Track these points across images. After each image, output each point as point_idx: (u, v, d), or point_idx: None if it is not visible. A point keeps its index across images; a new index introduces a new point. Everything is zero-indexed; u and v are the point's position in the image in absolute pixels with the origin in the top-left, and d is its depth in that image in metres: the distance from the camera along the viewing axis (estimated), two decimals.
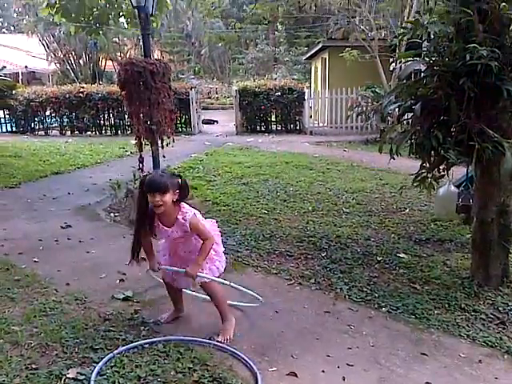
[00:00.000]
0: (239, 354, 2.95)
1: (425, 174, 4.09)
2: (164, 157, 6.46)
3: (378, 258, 4.71)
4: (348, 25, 14.68)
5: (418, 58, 4.03)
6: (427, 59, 3.85)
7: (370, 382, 2.75)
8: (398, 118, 4.26)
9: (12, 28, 43.31)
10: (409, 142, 4.17)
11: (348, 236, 5.38)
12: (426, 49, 3.93)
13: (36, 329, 3.21)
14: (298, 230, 5.62)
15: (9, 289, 3.88)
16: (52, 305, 3.59)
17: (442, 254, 4.83)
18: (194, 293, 3.57)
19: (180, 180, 3.17)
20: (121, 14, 17.07)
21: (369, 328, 3.37)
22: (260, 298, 3.46)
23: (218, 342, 3.09)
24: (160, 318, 3.40)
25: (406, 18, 12.45)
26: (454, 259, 4.67)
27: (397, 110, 4.39)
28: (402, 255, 4.79)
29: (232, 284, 3.26)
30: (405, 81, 4.17)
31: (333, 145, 13.07)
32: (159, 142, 6.28)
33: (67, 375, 2.68)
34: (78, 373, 2.70)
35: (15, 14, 36.74)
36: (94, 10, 16.12)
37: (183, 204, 3.19)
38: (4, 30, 46.13)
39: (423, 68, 3.90)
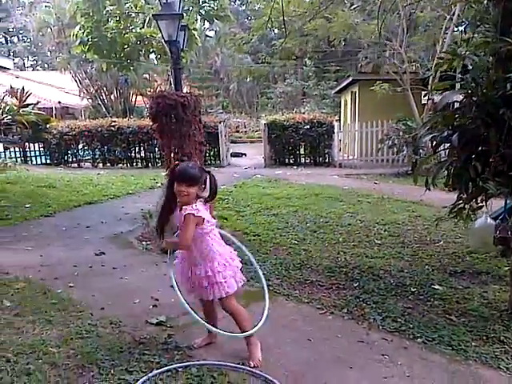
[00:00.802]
0: (273, 380, 2.93)
1: (462, 206, 4.06)
2: None
3: (412, 289, 4.64)
4: (378, 58, 14.81)
5: (453, 89, 4.06)
6: (465, 90, 3.86)
7: None
8: (433, 148, 4.24)
9: (46, 66, 44.80)
10: (445, 173, 4.16)
11: (380, 267, 5.33)
12: (463, 79, 3.94)
13: (73, 350, 3.26)
14: (329, 260, 5.60)
15: (46, 312, 3.95)
16: (88, 328, 3.65)
17: (478, 286, 4.73)
18: (220, 331, 3.40)
19: (209, 177, 3.16)
20: (151, 50, 17.67)
21: (404, 358, 3.31)
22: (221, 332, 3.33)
23: (250, 367, 3.07)
24: (193, 343, 3.41)
25: (438, 51, 12.52)
26: (492, 291, 4.56)
27: (430, 141, 4.39)
28: (436, 287, 4.71)
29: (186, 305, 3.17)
30: (441, 111, 4.17)
31: (363, 177, 13.05)
32: None
33: None
34: None
35: (49, 53, 38.06)
36: (125, 46, 16.74)
37: (200, 203, 3.13)
38: (38, 67, 47.76)
39: (460, 98, 3.91)
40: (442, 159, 4.29)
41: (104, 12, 15.22)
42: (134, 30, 16.43)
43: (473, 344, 3.52)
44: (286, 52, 32.49)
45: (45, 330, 3.60)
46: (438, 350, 3.44)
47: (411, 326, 3.82)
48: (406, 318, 3.98)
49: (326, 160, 16.17)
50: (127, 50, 16.43)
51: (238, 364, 3.12)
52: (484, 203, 4.10)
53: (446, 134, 4.04)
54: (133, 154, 17.16)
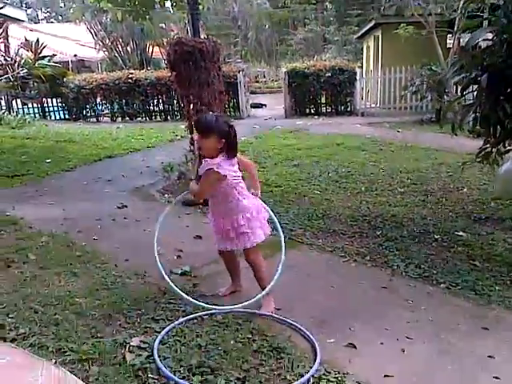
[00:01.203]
0: (297, 325, 2.96)
1: (489, 149, 3.97)
2: None
3: (436, 237, 4.61)
4: (401, 0, 14.23)
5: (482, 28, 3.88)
6: (495, 27, 3.68)
7: (430, 355, 2.70)
8: (461, 90, 4.11)
9: (60, 18, 44.23)
10: (471, 118, 4.04)
11: (403, 215, 5.29)
12: (493, 16, 3.75)
13: (99, 301, 3.31)
14: (352, 209, 5.56)
15: (71, 264, 4.00)
16: (113, 279, 3.70)
17: (502, 232, 4.69)
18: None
19: (230, 130, 3.04)
20: None
21: (427, 303, 3.31)
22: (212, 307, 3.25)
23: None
24: (218, 292, 3.46)
25: None
26: None
27: (457, 84, 4.25)
28: (460, 233, 4.67)
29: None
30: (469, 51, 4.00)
31: (385, 126, 12.82)
32: None
33: (131, 343, 2.75)
34: (141, 341, 2.78)
35: (63, 4, 37.44)
36: None
37: (222, 157, 3.04)
38: (52, 19, 47.17)
39: (490, 37, 3.74)
40: (469, 103, 4.16)
41: None
42: None
43: (496, 288, 3.50)
44: None
45: (70, 282, 3.65)
46: (461, 294, 3.44)
47: (434, 271, 3.81)
48: (430, 264, 3.97)
49: (348, 109, 15.88)
50: None
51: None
52: None
53: (474, 75, 3.91)
54: (151, 107, 17.00)
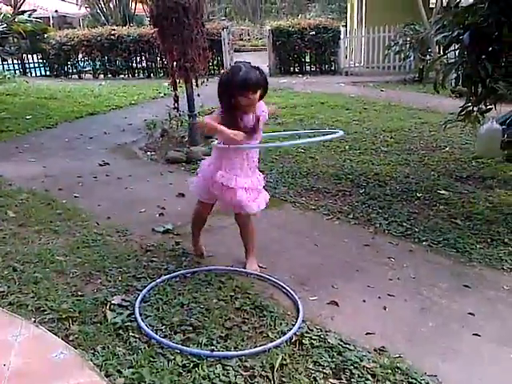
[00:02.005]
0: (280, 283, 2.96)
1: (470, 108, 3.94)
2: (198, 95, 6.39)
3: (418, 195, 4.63)
4: None
5: None
6: None
7: (411, 312, 2.73)
8: (443, 49, 4.05)
9: None
10: (453, 76, 4.00)
11: (386, 174, 5.29)
12: None
13: (79, 259, 3.28)
14: (335, 168, 5.55)
15: (51, 222, 3.94)
16: (94, 237, 3.65)
17: (483, 191, 4.72)
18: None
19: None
20: None
21: (409, 261, 3.33)
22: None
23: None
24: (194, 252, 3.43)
25: None
26: (497, 196, 4.57)
27: (440, 42, 4.19)
28: (442, 192, 4.69)
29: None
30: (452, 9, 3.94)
31: (369, 85, 12.72)
32: (193, 80, 6.20)
33: (112, 301, 2.73)
34: (122, 299, 2.75)
35: None
36: None
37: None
38: None
39: None
40: (451, 61, 4.11)
41: None
42: None
43: (477, 246, 3.54)
44: None
45: (51, 240, 3.61)
46: (443, 252, 3.47)
47: (417, 229, 3.84)
48: (412, 222, 3.99)
49: (332, 68, 15.71)
50: None
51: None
52: (493, 106, 3.97)
53: (456, 33, 3.85)
54: (134, 65, 16.68)
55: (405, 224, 3.94)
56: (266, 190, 3.27)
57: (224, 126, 2.79)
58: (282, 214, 4.18)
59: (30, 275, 3.05)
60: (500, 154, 5.62)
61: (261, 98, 2.96)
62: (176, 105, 6.52)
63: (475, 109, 3.91)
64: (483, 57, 3.63)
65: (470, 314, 2.71)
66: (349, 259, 3.38)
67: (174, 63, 6.02)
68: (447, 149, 6.32)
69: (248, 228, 3.23)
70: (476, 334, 2.52)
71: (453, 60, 4.01)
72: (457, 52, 4.10)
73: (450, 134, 6.89)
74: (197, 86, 6.24)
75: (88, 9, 27.36)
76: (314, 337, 2.45)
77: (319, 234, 3.79)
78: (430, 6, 13.98)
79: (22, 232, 3.76)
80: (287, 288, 2.91)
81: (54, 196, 4.63)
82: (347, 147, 6.47)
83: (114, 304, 2.71)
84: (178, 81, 6.28)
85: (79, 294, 2.85)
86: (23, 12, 12.20)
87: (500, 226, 3.85)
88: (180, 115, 6.62)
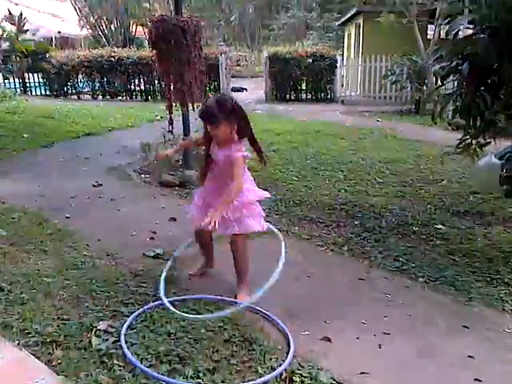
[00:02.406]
0: (271, 315, 2.88)
1: (469, 141, 3.92)
2: (196, 119, 6.34)
3: (414, 229, 4.56)
4: None
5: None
6: (477, 15, 3.60)
7: (408, 353, 2.63)
8: (442, 79, 4.04)
9: None
10: (451, 108, 3.99)
11: (382, 206, 5.24)
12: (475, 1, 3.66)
13: (67, 281, 3.19)
14: (330, 197, 5.50)
15: (42, 242, 3.88)
16: (83, 259, 3.58)
17: (482, 227, 4.64)
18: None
19: (237, 110, 2.92)
20: None
21: (405, 297, 3.25)
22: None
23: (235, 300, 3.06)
24: (191, 272, 3.40)
25: None
26: (496, 233, 4.48)
27: (438, 72, 4.19)
28: (439, 226, 4.63)
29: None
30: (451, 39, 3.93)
31: (365, 115, 12.80)
32: (189, 103, 6.18)
33: (98, 327, 2.65)
34: (108, 325, 2.67)
35: None
36: None
37: (243, 144, 3.01)
38: None
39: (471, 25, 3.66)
40: (449, 92, 4.10)
41: None
42: None
43: (477, 285, 3.43)
44: None
45: (40, 260, 3.53)
46: (440, 290, 3.37)
47: (413, 265, 3.75)
48: (408, 257, 3.91)
49: (328, 96, 15.88)
50: None
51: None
52: (493, 139, 3.94)
53: (455, 63, 3.83)
54: (132, 87, 16.86)
55: (401, 259, 3.87)
56: None
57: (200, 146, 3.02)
58: (275, 243, 4.09)
59: (16, 296, 2.97)
60: (498, 189, 5.58)
61: (242, 136, 2.97)
62: (171, 128, 6.48)
63: (474, 142, 3.88)
64: (482, 88, 3.61)
65: (469, 356, 2.60)
66: (343, 293, 3.30)
67: (171, 86, 5.99)
68: (444, 182, 6.29)
69: (238, 255, 3.17)
70: (477, 380, 2.41)
71: (451, 91, 4.00)
72: (455, 83, 4.09)
73: (447, 167, 6.87)
74: (193, 109, 6.21)
75: (90, 30, 27.68)
76: (304, 374, 2.37)
77: (312, 265, 3.71)
78: (428, 37, 14.16)
79: (11, 251, 3.69)
80: (278, 321, 2.82)
81: (46, 215, 4.57)
82: (341, 177, 6.45)
83: (100, 330, 2.63)
84: (173, 104, 6.26)
85: (65, 317, 2.76)
86: (26, 31, 12.26)
87: (500, 265, 3.76)
88: (174, 138, 6.57)
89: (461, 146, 4.00)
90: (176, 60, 5.73)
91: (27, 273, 3.30)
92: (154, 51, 5.87)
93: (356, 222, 4.70)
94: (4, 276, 3.24)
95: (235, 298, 3.10)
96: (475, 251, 4.03)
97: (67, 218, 4.56)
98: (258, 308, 2.95)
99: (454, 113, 3.93)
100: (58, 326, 2.66)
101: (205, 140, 3.13)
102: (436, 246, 4.19)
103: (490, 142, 4.01)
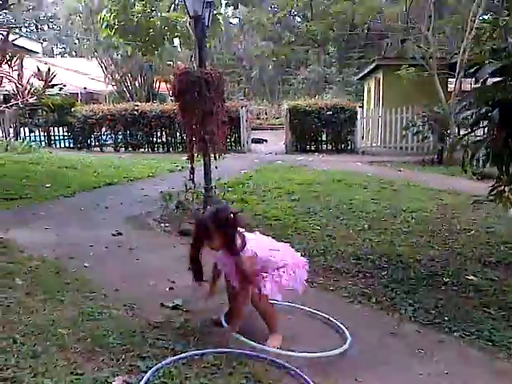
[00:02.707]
0: (298, 372, 2.68)
1: (502, 188, 3.77)
2: (216, 168, 6.31)
3: (445, 280, 4.34)
4: (403, 43, 14.34)
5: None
6: (508, 60, 3.53)
7: None
8: (471, 126, 3.93)
9: (74, 53, 44.94)
10: (482, 153, 3.86)
11: (409, 256, 5.03)
12: (504, 49, 3.61)
13: (83, 333, 3.03)
14: (354, 247, 5.32)
15: (58, 291, 3.74)
16: (100, 309, 3.42)
17: None
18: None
19: (231, 215, 2.95)
20: (176, 34, 17.39)
21: (441, 354, 3.03)
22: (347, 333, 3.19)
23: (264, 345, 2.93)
24: (214, 317, 3.28)
25: (466, 35, 12.04)
26: None
27: (464, 119, 4.08)
28: (470, 277, 4.40)
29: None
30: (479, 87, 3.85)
31: (387, 165, 12.68)
32: (211, 153, 6.16)
33: (113, 383, 2.48)
34: (124, 381, 2.50)
35: (77, 40, 38.27)
36: (151, 30, 16.54)
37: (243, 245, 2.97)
38: (66, 54, 47.98)
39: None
40: (478, 139, 3.98)
41: None
42: (159, 15, 16.20)
43: None
44: (308, 38, 32.01)
45: (55, 311, 3.39)
46: (477, 345, 3.15)
47: (446, 318, 3.54)
48: (440, 309, 3.70)
49: (349, 147, 15.84)
50: (152, 34, 16.25)
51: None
52: None
53: (484, 110, 3.73)
54: (155, 139, 17.07)
55: (432, 311, 3.65)
56: None
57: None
58: (299, 296, 3.92)
59: (29, 348, 2.81)
60: None
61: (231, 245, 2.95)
62: (192, 177, 6.45)
63: (507, 189, 3.73)
64: None
65: None
66: (373, 348, 3.09)
67: (193, 135, 5.99)
68: (472, 232, 6.06)
69: (259, 309, 3.08)
70: None
71: (480, 138, 3.88)
72: (483, 130, 3.98)
73: (475, 216, 6.68)
74: (215, 158, 6.19)
75: (115, 87, 28.40)
76: None
77: (339, 319, 3.50)
78: (448, 90, 14.21)
79: (27, 301, 3.55)
80: (306, 378, 2.63)
81: (63, 265, 4.46)
82: (366, 226, 6.27)
83: None
84: (195, 154, 6.25)
85: (79, 372, 2.59)
86: (53, 85, 12.59)
87: None
88: (196, 187, 6.53)
89: (493, 193, 3.84)
90: (199, 111, 5.76)
91: (42, 323, 3.15)
92: (178, 102, 5.93)
93: (383, 273, 4.51)
94: (18, 326, 3.10)
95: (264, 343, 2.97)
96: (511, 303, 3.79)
97: (85, 267, 4.46)
98: (283, 362, 2.77)
99: (485, 160, 3.79)
100: (72, 381, 2.50)
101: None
102: (469, 298, 3.96)
103: None
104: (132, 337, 3.01)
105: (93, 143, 17.37)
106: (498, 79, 3.62)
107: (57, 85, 13.82)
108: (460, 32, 13.50)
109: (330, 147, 16.09)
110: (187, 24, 15.69)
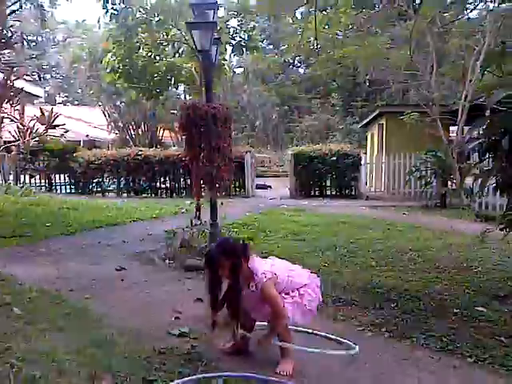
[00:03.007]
0: None
1: None
2: (222, 204, 6.30)
3: (455, 310, 4.25)
4: (405, 93, 14.60)
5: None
6: None
7: None
8: (480, 155, 3.92)
9: (76, 102, 45.77)
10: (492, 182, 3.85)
11: (418, 290, 4.94)
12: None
13: (85, 359, 2.95)
14: (363, 281, 5.23)
15: (58, 320, 3.66)
16: (103, 337, 3.34)
17: None
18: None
19: (241, 245, 3.05)
20: (180, 79, 17.72)
21: (456, 378, 2.94)
22: (355, 346, 3.14)
23: (276, 373, 2.81)
24: (222, 345, 3.18)
25: (468, 81, 12.27)
26: None
27: (473, 150, 4.09)
28: (480, 309, 4.31)
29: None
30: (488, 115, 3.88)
31: (390, 209, 12.65)
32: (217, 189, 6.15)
33: None
34: None
35: (80, 90, 39.06)
36: (155, 75, 16.84)
37: (256, 266, 3.00)
38: (69, 103, 48.83)
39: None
40: (487, 168, 3.99)
41: (135, 40, 15.32)
42: (164, 59, 16.54)
43: None
44: (311, 88, 32.65)
45: (56, 338, 3.30)
46: (492, 370, 3.06)
47: (458, 345, 3.45)
48: (452, 337, 3.61)
49: (353, 192, 15.84)
50: (157, 78, 16.50)
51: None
52: None
53: (494, 138, 3.75)
54: (158, 184, 17.00)
55: (444, 339, 3.56)
56: None
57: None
58: (308, 325, 3.83)
59: (27, 373, 2.72)
60: None
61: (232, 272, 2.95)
62: (198, 213, 6.43)
63: None
64: None
65: None
66: (386, 373, 2.99)
67: (199, 171, 5.99)
68: (479, 268, 5.98)
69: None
70: None
71: (488, 167, 3.88)
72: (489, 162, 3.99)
73: (481, 254, 6.61)
74: (219, 192, 6.18)
75: (117, 134, 28.74)
76: None
77: None
78: (450, 138, 14.34)
79: (26, 329, 3.47)
80: None
81: (64, 296, 4.38)
82: (373, 263, 6.19)
83: None
84: (201, 190, 6.25)
85: None
86: (56, 126, 12.69)
87: None
88: (201, 224, 6.49)
89: (504, 220, 3.81)
90: (206, 144, 5.78)
91: (42, 350, 3.07)
92: (184, 136, 5.95)
93: (393, 305, 4.42)
94: (16, 353, 3.01)
95: (275, 369, 2.91)
96: None
97: (87, 298, 4.37)
98: None
99: (496, 188, 3.77)
100: None
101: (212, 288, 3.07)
102: (480, 327, 3.86)
103: None
104: (137, 361, 2.93)
105: (94, 189, 17.25)
106: (507, 107, 3.64)
107: (59, 125, 13.96)
108: (461, 79, 13.75)
109: (334, 192, 16.09)
110: (192, 69, 16.00)
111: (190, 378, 2.69)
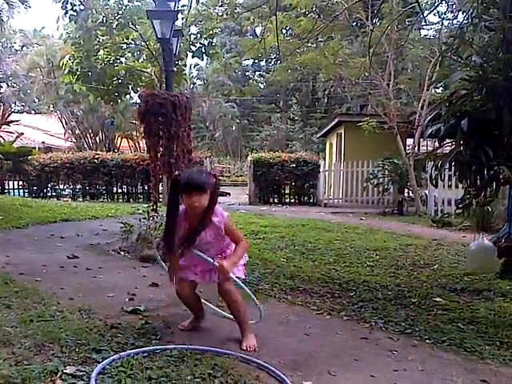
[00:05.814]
0: (268, 365, 2.50)
1: (469, 200, 3.77)
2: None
3: (413, 300, 4.25)
4: (363, 108, 14.82)
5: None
6: (474, 72, 3.62)
7: None
8: (439, 140, 3.96)
9: (33, 111, 44.66)
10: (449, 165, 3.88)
11: (376, 282, 4.94)
12: (466, 64, 3.71)
13: (32, 330, 2.79)
14: (321, 274, 5.20)
15: (6, 297, 3.48)
16: (52, 312, 3.18)
17: (481, 301, 4.36)
18: (213, 307, 3.16)
19: (215, 180, 2.93)
20: (140, 84, 17.41)
21: (414, 355, 2.90)
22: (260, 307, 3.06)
23: (242, 349, 2.67)
24: (179, 326, 3.04)
25: (425, 88, 12.58)
26: (498, 305, 4.20)
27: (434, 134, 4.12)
28: (437, 299, 4.33)
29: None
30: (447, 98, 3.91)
31: (349, 215, 12.74)
32: None
33: (64, 371, 2.24)
34: (76, 369, 2.27)
35: (36, 99, 38.19)
36: (115, 78, 16.47)
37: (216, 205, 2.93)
38: (25, 113, 47.60)
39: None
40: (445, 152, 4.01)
41: (95, 42, 15.00)
42: (124, 63, 16.23)
43: (486, 348, 3.12)
44: (270, 103, 32.98)
45: (2, 315, 3.12)
46: (450, 350, 3.04)
47: (417, 329, 3.43)
48: (410, 322, 3.59)
49: (311, 199, 15.90)
50: (116, 82, 16.15)
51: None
52: (495, 194, 3.78)
53: (452, 122, 3.77)
54: (114, 189, 16.64)
55: (403, 324, 3.54)
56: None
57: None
58: (267, 307, 3.74)
59: None
60: (493, 270, 5.38)
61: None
62: (155, 206, 6.27)
63: (474, 201, 3.73)
64: (483, 143, 3.52)
65: None
66: (345, 349, 2.94)
67: (158, 160, 5.84)
68: (436, 266, 6.04)
69: (230, 299, 2.94)
70: None
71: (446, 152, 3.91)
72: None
73: (437, 254, 6.71)
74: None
75: (74, 141, 28.16)
76: None
77: (310, 326, 3.35)
78: (407, 150, 14.59)
79: None
80: (276, 371, 2.45)
81: (13, 278, 4.17)
82: (331, 260, 6.18)
83: (67, 373, 2.23)
84: (159, 179, 6.10)
85: (25, 363, 2.35)
86: (10, 122, 12.25)
87: (508, 330, 3.45)
88: (158, 217, 6.32)
89: (461, 206, 3.84)
90: (165, 133, 5.66)
91: None
92: (143, 125, 5.80)
93: (351, 294, 4.38)
94: None
95: (240, 346, 2.79)
96: (479, 318, 3.73)
97: (37, 280, 4.18)
98: (252, 358, 2.59)
99: (454, 172, 3.80)
100: (17, 370, 2.25)
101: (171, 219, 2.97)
102: (437, 315, 3.86)
103: (492, 201, 3.86)
104: (87, 334, 2.78)
105: (49, 193, 16.71)
106: (466, 91, 3.69)
107: (13, 121, 13.41)
108: (418, 89, 14.07)
109: (293, 200, 16.13)
110: (153, 73, 15.80)
111: (143, 349, 2.56)
